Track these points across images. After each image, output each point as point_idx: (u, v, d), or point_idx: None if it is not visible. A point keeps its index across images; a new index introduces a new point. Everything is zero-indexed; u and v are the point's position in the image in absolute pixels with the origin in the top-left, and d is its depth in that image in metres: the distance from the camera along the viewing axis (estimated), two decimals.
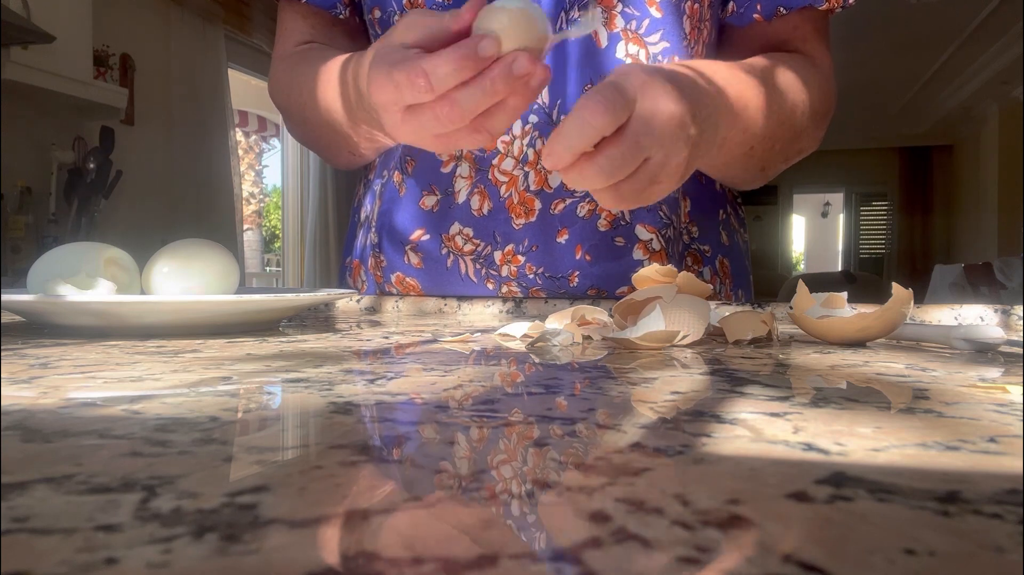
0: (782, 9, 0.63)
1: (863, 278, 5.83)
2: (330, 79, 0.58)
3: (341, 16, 0.69)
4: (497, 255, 0.65)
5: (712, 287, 0.69)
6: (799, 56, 0.64)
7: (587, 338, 0.43)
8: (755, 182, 0.67)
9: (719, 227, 0.71)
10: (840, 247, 8.71)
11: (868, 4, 3.78)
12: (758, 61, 0.58)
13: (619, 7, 0.62)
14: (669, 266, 0.45)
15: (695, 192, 0.68)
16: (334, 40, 0.71)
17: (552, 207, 0.63)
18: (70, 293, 0.43)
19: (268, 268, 8.32)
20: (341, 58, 0.58)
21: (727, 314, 0.44)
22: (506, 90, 0.40)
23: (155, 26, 2.93)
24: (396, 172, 0.69)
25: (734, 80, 0.53)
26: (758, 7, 0.64)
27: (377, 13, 0.66)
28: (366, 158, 0.71)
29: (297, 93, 0.65)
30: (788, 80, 0.59)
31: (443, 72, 0.38)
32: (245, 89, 4.47)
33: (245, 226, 4.83)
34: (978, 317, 0.56)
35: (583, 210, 0.63)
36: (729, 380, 0.28)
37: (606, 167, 0.41)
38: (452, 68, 0.38)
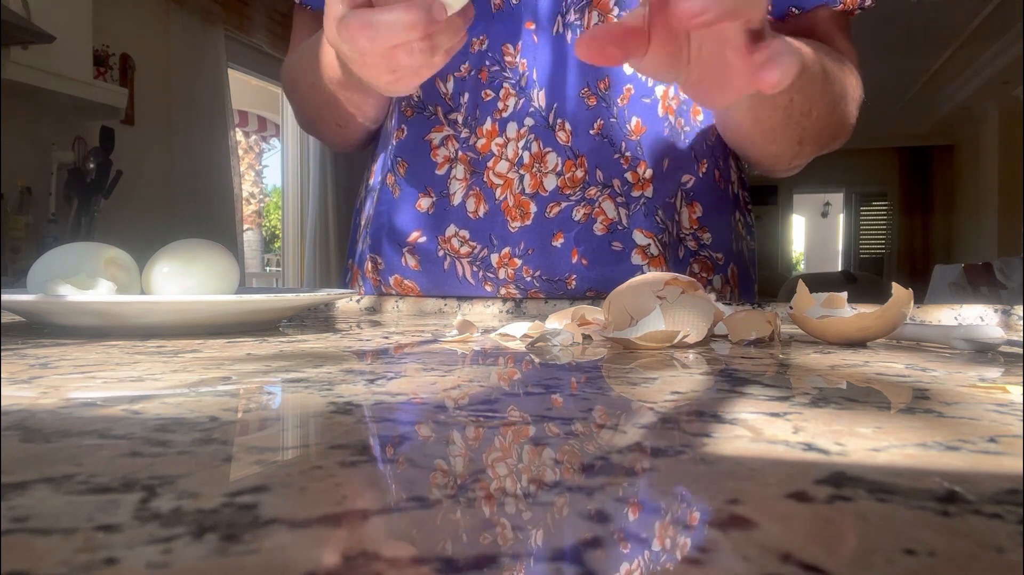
0: (794, 9, 0.63)
1: (863, 278, 5.84)
2: (329, 48, 0.60)
3: None
4: (494, 258, 0.65)
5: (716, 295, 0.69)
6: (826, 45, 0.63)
7: (587, 338, 0.43)
8: (791, 159, 0.64)
9: (730, 233, 0.69)
10: (840, 247, 8.71)
11: None
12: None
13: (615, 11, 0.62)
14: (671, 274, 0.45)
15: (707, 196, 0.67)
16: None
17: (548, 210, 0.63)
18: (70, 293, 0.43)
19: (268, 268, 8.31)
20: None
21: (730, 314, 0.44)
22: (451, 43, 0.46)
23: (155, 26, 2.93)
24: (389, 174, 0.69)
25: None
26: (770, 8, 0.63)
27: None
28: (362, 128, 0.71)
29: (300, 68, 0.67)
30: (823, 50, 0.58)
31: (384, 33, 0.43)
32: (245, 89, 4.47)
33: (245, 226, 4.82)
34: (978, 317, 0.56)
35: (579, 213, 0.63)
36: (729, 380, 0.28)
37: None
38: (398, 28, 0.43)
